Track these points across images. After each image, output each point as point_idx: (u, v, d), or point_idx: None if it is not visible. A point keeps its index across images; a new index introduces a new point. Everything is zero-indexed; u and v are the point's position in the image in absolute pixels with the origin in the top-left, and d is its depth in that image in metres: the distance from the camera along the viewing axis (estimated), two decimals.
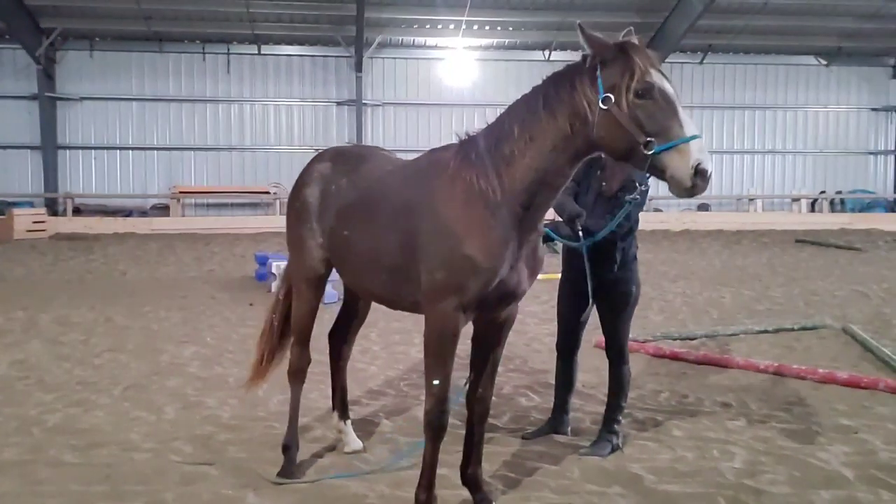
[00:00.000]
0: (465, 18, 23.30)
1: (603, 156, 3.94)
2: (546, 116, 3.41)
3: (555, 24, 24.33)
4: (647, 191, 4.35)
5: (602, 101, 3.22)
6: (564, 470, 4.38)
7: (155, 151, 24.74)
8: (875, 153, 28.04)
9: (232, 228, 21.31)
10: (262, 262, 11.94)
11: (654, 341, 7.64)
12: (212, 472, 4.33)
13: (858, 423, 5.20)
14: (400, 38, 25.28)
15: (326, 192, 4.24)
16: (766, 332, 8.20)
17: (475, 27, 24.58)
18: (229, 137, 25.14)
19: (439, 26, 24.49)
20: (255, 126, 25.34)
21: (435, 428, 3.63)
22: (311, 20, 23.78)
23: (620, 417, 4.82)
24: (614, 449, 4.67)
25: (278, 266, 10.94)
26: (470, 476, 3.93)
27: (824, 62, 27.39)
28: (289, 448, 4.39)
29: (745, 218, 24.26)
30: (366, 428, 5.14)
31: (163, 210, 23.79)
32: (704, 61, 26.61)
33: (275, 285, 10.92)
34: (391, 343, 7.78)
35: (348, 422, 4.80)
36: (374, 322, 8.82)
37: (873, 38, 26.19)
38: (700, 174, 3.07)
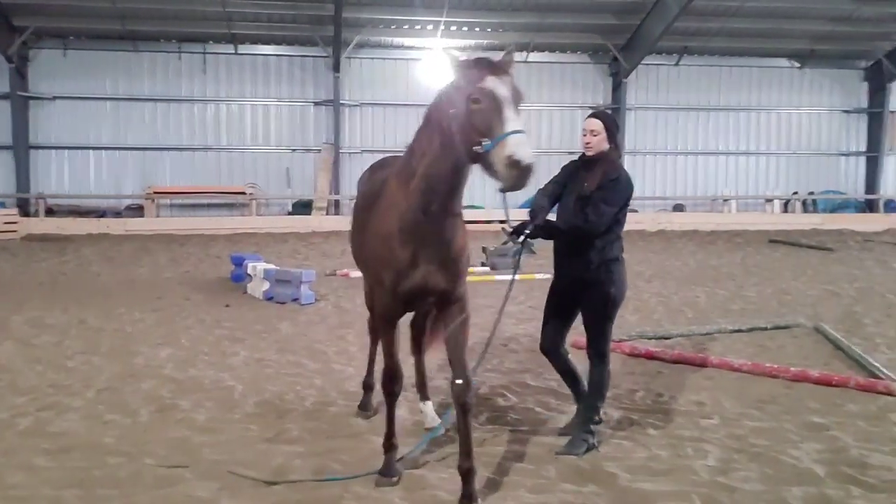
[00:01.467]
0: (443, 19, 23.31)
1: (586, 156, 4.68)
2: (427, 131, 3.92)
3: (533, 25, 24.40)
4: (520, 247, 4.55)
5: (456, 108, 3.65)
6: (541, 469, 4.40)
7: (129, 151, 24.45)
8: (846, 154, 28.44)
9: (208, 229, 21.12)
10: (238, 263, 11.86)
11: (629, 341, 7.69)
12: (186, 476, 4.30)
13: (829, 420, 5.28)
14: (378, 39, 25.22)
15: (357, 200, 5.00)
16: (740, 331, 8.29)
17: (453, 28, 24.60)
18: (205, 137, 24.92)
19: (417, 27, 24.47)
20: (231, 126, 25.15)
21: (386, 386, 4.34)
22: (289, 20, 23.67)
23: (597, 417, 4.85)
24: (590, 448, 4.69)
25: (254, 267, 10.89)
26: (459, 468, 4.04)
27: (797, 64, 27.74)
28: (369, 386, 5.51)
29: (720, 218, 24.51)
30: (341, 428, 5.12)
31: (137, 211, 23.52)
32: (680, 63, 26.82)
33: (248, 287, 10.86)
34: (368, 344, 7.74)
35: (427, 402, 5.31)
36: (351, 323, 8.83)
37: (845, 41, 26.57)
38: (512, 165, 3.35)
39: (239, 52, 24.84)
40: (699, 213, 25.72)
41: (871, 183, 28.08)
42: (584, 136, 4.72)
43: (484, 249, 14.31)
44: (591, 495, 4.06)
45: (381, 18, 23.85)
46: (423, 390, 5.35)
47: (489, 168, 3.49)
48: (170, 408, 5.58)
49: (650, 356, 7.09)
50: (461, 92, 3.63)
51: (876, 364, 6.54)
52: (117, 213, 23.41)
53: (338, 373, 6.61)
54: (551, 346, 5.01)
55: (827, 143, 28.31)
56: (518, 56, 26.26)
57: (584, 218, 4.59)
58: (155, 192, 23.48)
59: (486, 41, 25.58)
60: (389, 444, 4.35)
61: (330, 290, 11.15)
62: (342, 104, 25.07)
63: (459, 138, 3.62)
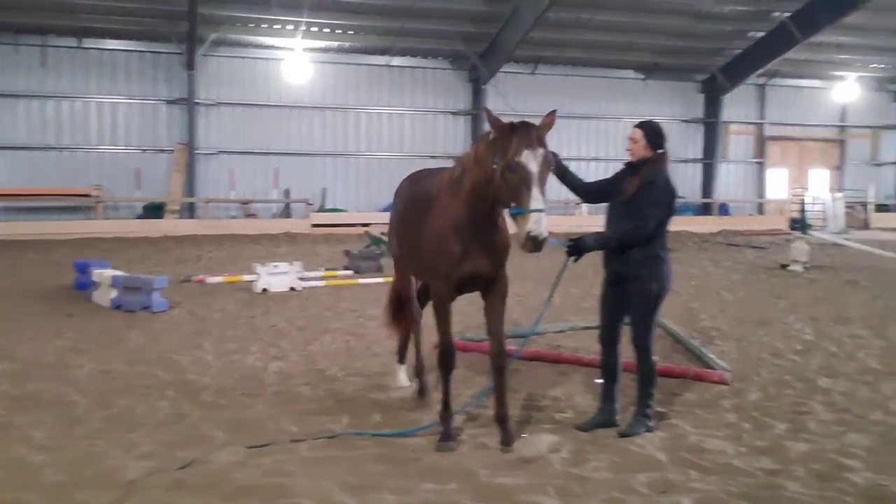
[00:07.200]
0: (303, 20, 22.98)
1: (633, 163, 5.17)
2: (475, 157, 4.66)
3: (394, 29, 24.55)
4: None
5: (495, 164, 4.41)
6: (403, 470, 4.44)
7: None
8: (685, 161, 30.58)
9: (49, 234, 19.76)
10: (82, 270, 11.15)
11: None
12: (24, 498, 4.01)
13: (670, 409, 5.66)
14: (237, 37, 24.50)
15: (399, 203, 5.65)
16: (590, 328, 8.67)
17: (314, 29, 24.30)
18: (45, 136, 23.26)
19: (277, 26, 23.99)
20: (74, 124, 23.63)
21: (443, 363, 5.03)
22: (139, 14, 22.50)
23: (651, 402, 5.18)
24: (649, 429, 5.08)
25: (100, 274, 10.29)
26: (496, 416, 4.96)
27: (642, 76, 29.56)
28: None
29: (572, 221, 25.59)
30: (196, 441, 4.93)
31: None
32: (536, 72, 27.87)
33: (94, 295, 10.23)
34: (226, 352, 7.53)
35: (402, 366, 6.26)
36: (208, 331, 8.53)
37: (684, 56, 28.60)
38: (531, 240, 4.24)
39: (83, 45, 23.41)
40: (554, 216, 26.77)
41: (707, 188, 30.35)
42: (628, 144, 5.20)
43: (346, 253, 14.23)
44: (452, 493, 4.14)
45: (238, 16, 23.21)
46: (401, 355, 6.24)
47: (516, 226, 4.33)
48: (4, 426, 5.16)
49: (508, 354, 7.28)
50: (502, 154, 4.35)
51: (711, 356, 7.08)
52: None
53: (193, 383, 6.36)
54: (608, 338, 5.32)
55: (669, 151, 30.30)
56: (380, 60, 26.51)
57: (633, 224, 4.94)
58: None
59: (347, 43, 25.49)
60: (447, 413, 4.96)
61: (184, 297, 10.71)
62: (197, 103, 24.17)
63: (495, 188, 4.46)
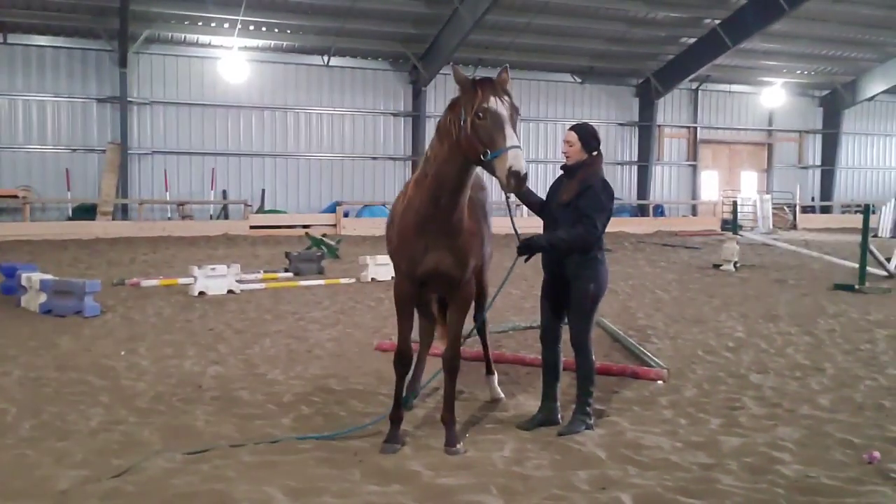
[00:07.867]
0: (240, 18, 22.61)
1: (569, 166, 5.25)
2: (438, 138, 4.65)
3: (333, 29, 24.37)
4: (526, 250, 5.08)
5: (462, 121, 4.38)
6: (345, 473, 4.40)
7: None
8: (622, 164, 31.22)
9: None
10: (9, 273, 10.73)
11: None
12: None
13: (609, 406, 5.77)
14: (170, 34, 23.95)
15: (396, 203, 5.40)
16: (531, 327, 8.78)
17: (251, 27, 23.95)
18: None
19: (213, 24, 23.56)
20: None
21: (397, 364, 4.98)
22: (68, 9, 21.81)
23: (591, 400, 5.25)
24: (588, 427, 5.14)
25: (28, 278, 9.93)
26: (442, 418, 4.93)
27: (579, 80, 30.04)
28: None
29: (503, 221, 25.80)
30: (131, 448, 4.79)
31: None
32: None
33: (23, 300, 9.86)
34: (162, 357, 7.34)
35: (491, 376, 6.09)
36: (143, 335, 8.32)
37: (619, 60, 29.20)
38: (513, 175, 4.16)
39: (8, 41, 22.55)
40: (497, 216, 26.93)
41: (643, 190, 31.04)
42: (563, 147, 5.22)
43: (287, 254, 14.07)
44: (395, 494, 4.13)
45: (172, 13, 22.72)
46: (489, 365, 6.12)
47: (492, 173, 4.28)
48: None
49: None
50: (468, 107, 4.34)
51: (648, 353, 7.25)
52: None
53: (127, 389, 6.18)
54: (548, 337, 5.37)
55: (605, 154, 30.89)
56: (319, 59, 26.28)
57: (584, 229, 4.98)
58: None
59: (285, 42, 25.21)
60: (396, 416, 4.92)
61: (118, 301, 10.42)
62: (130, 102, 23.54)
63: (466, 146, 4.37)
